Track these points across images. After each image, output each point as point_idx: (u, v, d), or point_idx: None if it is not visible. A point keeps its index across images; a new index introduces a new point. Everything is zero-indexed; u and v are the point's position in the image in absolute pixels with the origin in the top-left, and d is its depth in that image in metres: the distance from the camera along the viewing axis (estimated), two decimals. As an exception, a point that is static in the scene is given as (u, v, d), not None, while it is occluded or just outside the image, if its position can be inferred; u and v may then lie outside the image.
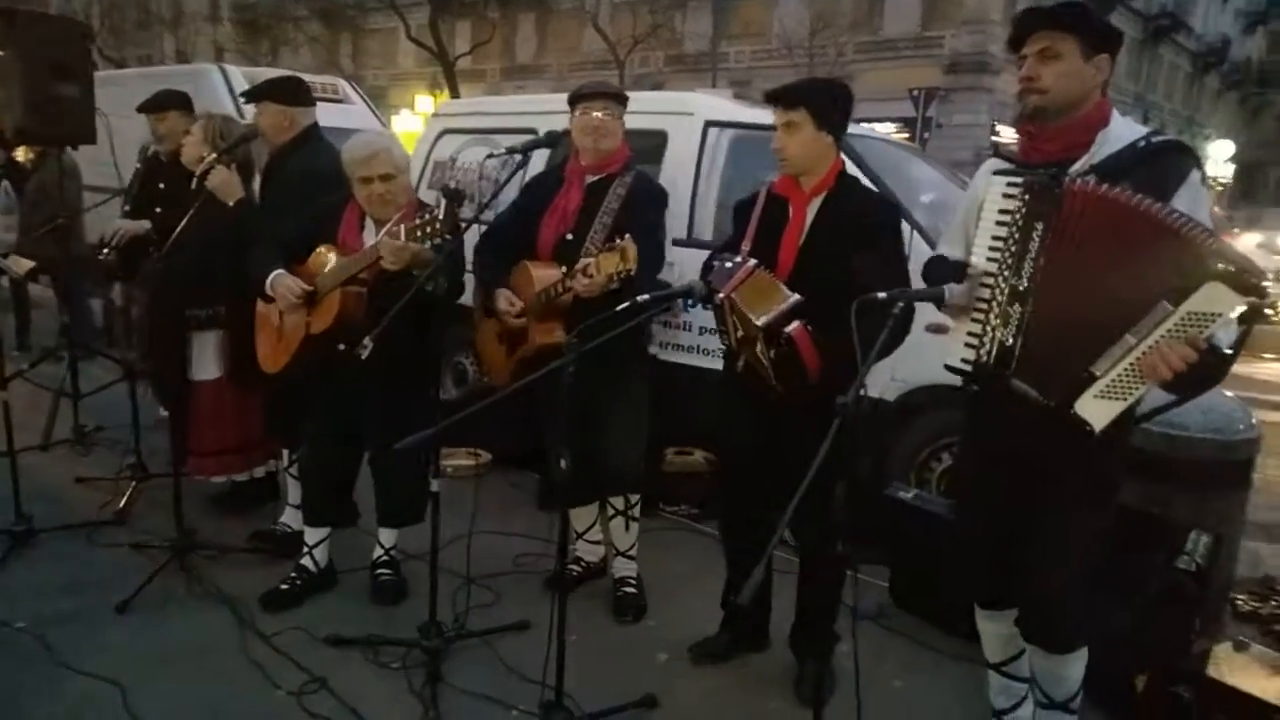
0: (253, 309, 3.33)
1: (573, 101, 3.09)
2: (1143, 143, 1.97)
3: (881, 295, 2.04)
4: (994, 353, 2.05)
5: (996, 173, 2.12)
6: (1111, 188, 1.88)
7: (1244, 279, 1.72)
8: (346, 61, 29.52)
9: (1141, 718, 2.57)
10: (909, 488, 3.35)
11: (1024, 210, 2.00)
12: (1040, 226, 1.97)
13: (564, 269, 2.97)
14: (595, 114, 3.02)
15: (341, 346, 2.97)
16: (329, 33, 31.15)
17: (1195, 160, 1.96)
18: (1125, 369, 1.85)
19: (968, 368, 2.11)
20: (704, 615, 3.10)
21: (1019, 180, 2.04)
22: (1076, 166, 1.99)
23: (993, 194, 2.09)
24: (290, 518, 3.67)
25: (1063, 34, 1.98)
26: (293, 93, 3.60)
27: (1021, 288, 2.00)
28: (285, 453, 3.75)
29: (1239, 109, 46.36)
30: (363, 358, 2.64)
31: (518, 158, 2.92)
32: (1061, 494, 2.08)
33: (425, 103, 25.41)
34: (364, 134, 3.21)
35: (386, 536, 3.37)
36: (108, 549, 3.62)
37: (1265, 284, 1.74)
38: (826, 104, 2.54)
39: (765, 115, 4.67)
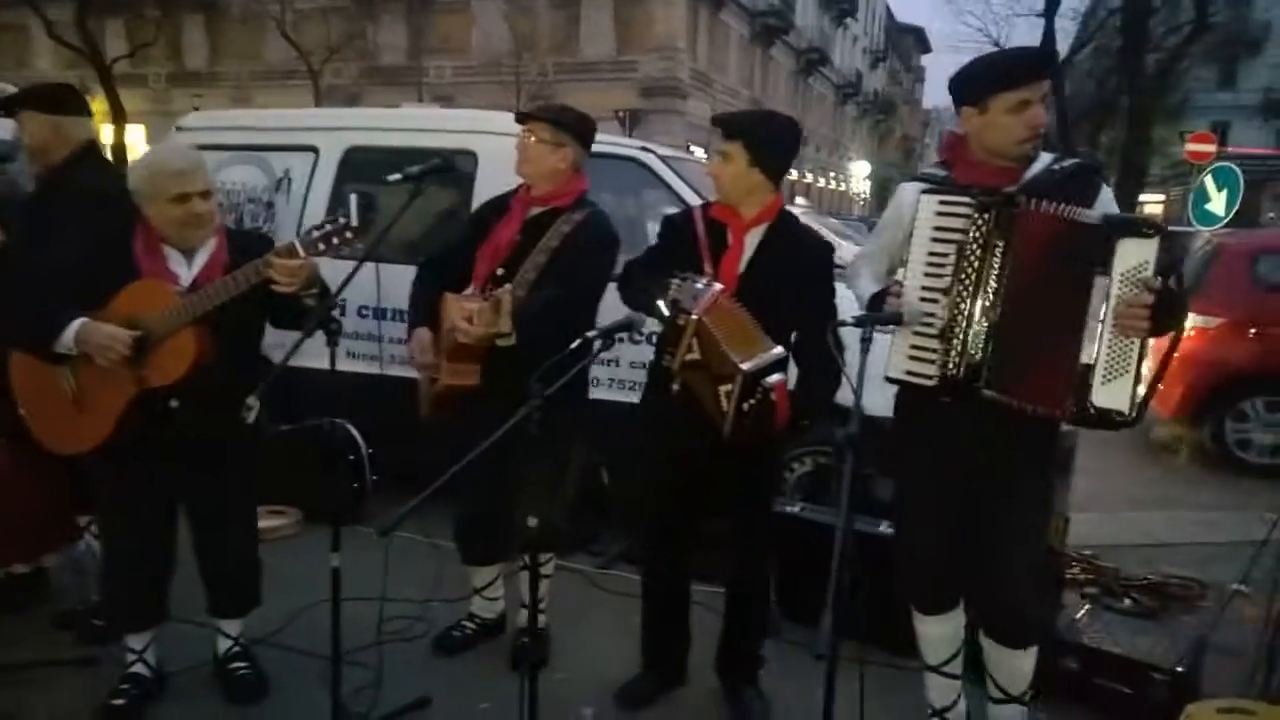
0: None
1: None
2: (1056, 166, 2.24)
3: (850, 319, 2.10)
4: (963, 366, 2.18)
5: (927, 193, 2.27)
6: (1051, 204, 2.11)
7: (1138, 226, 2.05)
8: (-32, 60, 25.15)
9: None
10: (793, 500, 3.46)
11: (983, 230, 2.16)
12: (1001, 245, 2.14)
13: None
14: (523, 135, 2.80)
15: (174, 403, 2.49)
16: (-59, 29, 26.39)
17: (1104, 176, 2.28)
18: (1109, 344, 2.06)
19: (929, 381, 2.23)
20: (611, 657, 3.00)
21: (968, 202, 2.19)
22: (1010, 188, 2.18)
23: (925, 213, 2.24)
24: None
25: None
26: (61, 100, 2.98)
27: (988, 303, 2.16)
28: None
29: (870, 134, 53.62)
30: (250, 421, 2.23)
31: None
32: (1023, 496, 2.26)
33: (78, 110, 22.22)
34: (167, 146, 2.72)
35: (232, 625, 2.89)
36: None
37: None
38: (763, 141, 2.52)
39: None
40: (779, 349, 2.36)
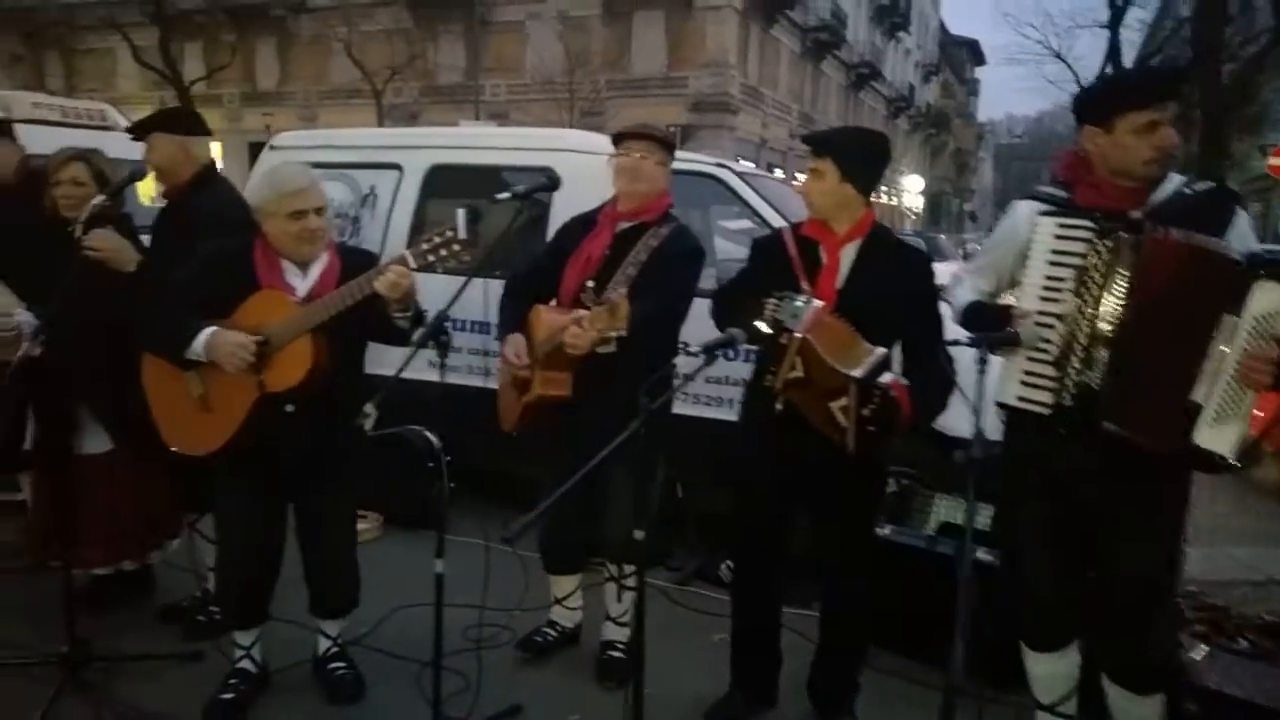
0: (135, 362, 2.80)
1: (614, 141, 2.97)
2: (1188, 190, 2.17)
3: (966, 339, 2.10)
4: (1077, 395, 2.13)
5: (1046, 214, 2.22)
6: (1180, 231, 2.04)
7: None
8: (56, 83, 26.18)
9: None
10: (880, 522, 3.43)
11: (1105, 256, 2.10)
12: (1124, 272, 2.07)
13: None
14: (635, 154, 2.88)
15: (290, 408, 2.61)
16: (32, 52, 27.53)
17: (1239, 200, 2.20)
18: (1225, 388, 1.97)
19: (1043, 409, 2.18)
20: (695, 674, 3.03)
21: (1090, 226, 2.14)
22: (1135, 213, 2.12)
23: (1042, 235, 2.20)
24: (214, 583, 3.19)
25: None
26: (188, 122, 3.15)
27: (1108, 331, 2.10)
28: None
29: (923, 148, 53.04)
30: (367, 429, 2.33)
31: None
32: (1150, 530, 2.18)
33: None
34: (284, 165, 2.86)
35: (332, 626, 2.99)
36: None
37: None
38: (854, 156, 2.53)
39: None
40: (882, 349, 2.34)
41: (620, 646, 3.13)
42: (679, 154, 4.33)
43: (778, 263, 2.62)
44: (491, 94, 25.34)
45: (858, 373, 2.26)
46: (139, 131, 3.11)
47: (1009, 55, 50.89)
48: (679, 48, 24.77)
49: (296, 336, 2.51)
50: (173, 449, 2.70)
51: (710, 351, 2.31)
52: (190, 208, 3.05)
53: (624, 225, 2.93)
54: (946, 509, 3.81)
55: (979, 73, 70.39)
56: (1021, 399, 2.24)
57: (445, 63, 25.99)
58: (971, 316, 2.38)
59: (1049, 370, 2.17)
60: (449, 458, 4.42)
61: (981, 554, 3.05)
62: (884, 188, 40.31)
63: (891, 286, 2.49)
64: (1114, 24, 17.70)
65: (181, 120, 3.15)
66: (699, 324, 2.87)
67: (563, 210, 3.92)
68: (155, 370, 2.69)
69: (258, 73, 28.36)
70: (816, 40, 31.32)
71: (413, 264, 2.47)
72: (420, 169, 4.74)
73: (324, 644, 2.99)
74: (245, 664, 2.86)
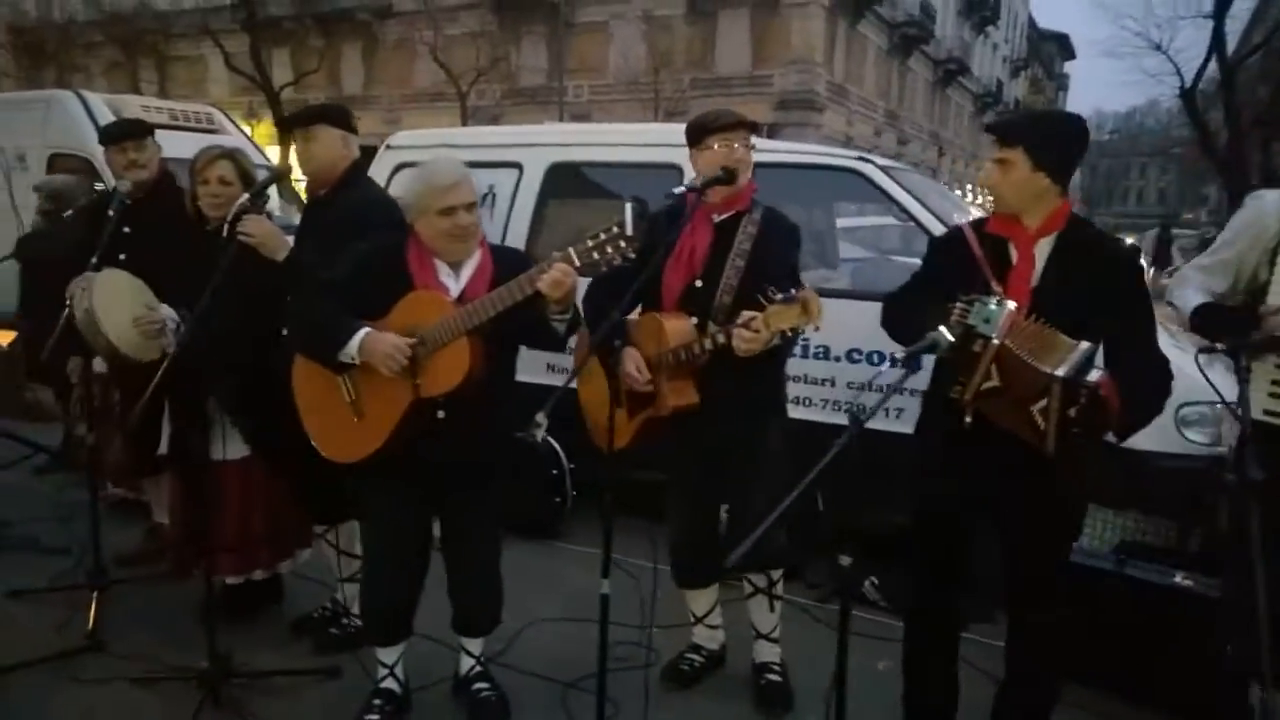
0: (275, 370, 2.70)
1: (705, 132, 2.72)
2: None
3: (1221, 345, 1.85)
4: None
5: None
6: None
7: None
8: (151, 89, 27.18)
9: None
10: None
11: None
12: None
13: (695, 321, 2.69)
14: (737, 146, 2.69)
15: (441, 414, 2.46)
16: (129, 58, 28.63)
17: None
18: None
19: None
20: (858, 702, 2.76)
21: None
22: None
23: None
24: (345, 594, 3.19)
25: None
26: (348, 116, 3.02)
27: None
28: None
29: (1010, 145, 51.38)
30: (538, 440, 2.16)
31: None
32: None
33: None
34: (435, 160, 2.74)
35: (474, 644, 2.84)
36: (99, 687, 2.85)
37: None
38: (1047, 143, 2.27)
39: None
40: (1086, 343, 2.09)
41: (777, 669, 2.93)
42: (814, 148, 4.10)
43: (960, 263, 2.37)
44: (574, 95, 25.33)
45: (1061, 371, 2.03)
46: (300, 123, 2.96)
47: (1106, 49, 49.03)
48: (764, 45, 24.42)
49: (453, 339, 2.36)
50: (326, 457, 2.57)
51: (912, 359, 2.08)
52: (339, 204, 2.93)
53: (719, 217, 2.76)
54: (1120, 526, 3.54)
55: (1068, 67, 68.10)
56: (1270, 413, 1.99)
57: (528, 65, 26.12)
58: (1209, 320, 2.14)
59: None
60: (572, 465, 4.35)
61: (1180, 579, 2.84)
62: (970, 185, 39.21)
63: (1095, 284, 2.23)
64: (1219, 14, 16.55)
65: (342, 115, 3.00)
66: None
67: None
68: (307, 375, 2.57)
69: (343, 77, 28.91)
70: (904, 36, 30.62)
71: (576, 262, 2.30)
72: (541, 167, 4.64)
73: (466, 663, 2.84)
74: (389, 683, 2.73)
